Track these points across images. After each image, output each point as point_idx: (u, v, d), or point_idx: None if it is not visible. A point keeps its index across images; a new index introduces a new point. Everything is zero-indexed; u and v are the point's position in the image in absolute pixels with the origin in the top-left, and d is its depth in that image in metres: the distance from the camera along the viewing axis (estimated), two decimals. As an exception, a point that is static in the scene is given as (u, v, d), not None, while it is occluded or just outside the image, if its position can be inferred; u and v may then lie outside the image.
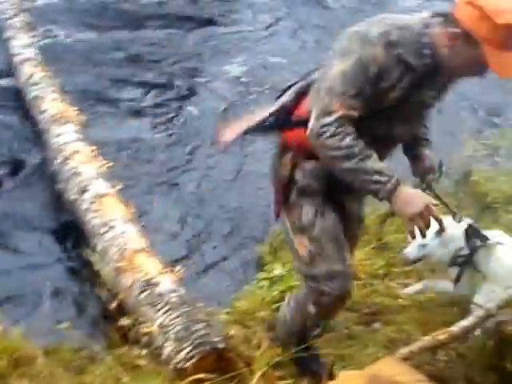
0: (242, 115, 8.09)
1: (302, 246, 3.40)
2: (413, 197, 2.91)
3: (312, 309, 3.55)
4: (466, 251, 4.09)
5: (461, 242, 4.08)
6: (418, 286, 4.57)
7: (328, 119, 2.86)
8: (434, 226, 3.18)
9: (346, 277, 3.45)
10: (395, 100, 2.93)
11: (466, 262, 4.11)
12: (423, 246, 4.04)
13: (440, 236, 3.96)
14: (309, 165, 3.27)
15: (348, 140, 2.85)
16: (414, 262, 4.27)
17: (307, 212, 3.35)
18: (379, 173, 2.87)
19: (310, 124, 2.94)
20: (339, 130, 2.85)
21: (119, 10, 11.35)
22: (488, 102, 9.13)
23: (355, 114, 2.88)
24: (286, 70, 9.89)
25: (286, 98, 3.35)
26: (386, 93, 2.90)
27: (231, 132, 3.47)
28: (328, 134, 2.86)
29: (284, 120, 3.32)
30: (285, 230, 3.56)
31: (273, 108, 3.36)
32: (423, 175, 3.56)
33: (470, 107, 8.38)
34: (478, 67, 2.90)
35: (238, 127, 3.46)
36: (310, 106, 3.02)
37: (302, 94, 3.30)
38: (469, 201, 5.88)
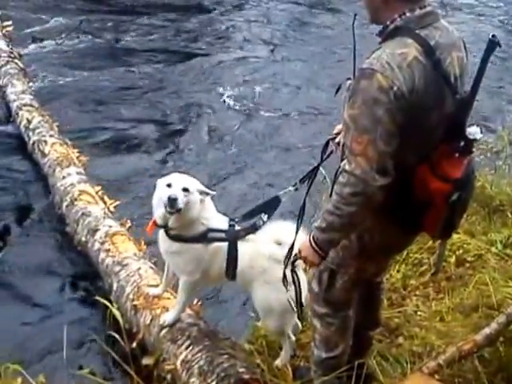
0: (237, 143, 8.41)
1: None
2: None
3: None
4: None
5: None
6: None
7: None
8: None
9: None
10: None
11: None
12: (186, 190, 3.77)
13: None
14: None
15: None
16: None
17: None
18: None
19: None
20: None
21: (108, 49, 11.44)
22: (481, 108, 9.16)
23: None
24: (279, 95, 9.97)
25: None
26: None
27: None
28: None
29: None
30: None
31: None
32: None
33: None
34: None
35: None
36: None
37: None
38: (477, 206, 5.83)
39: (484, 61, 2.72)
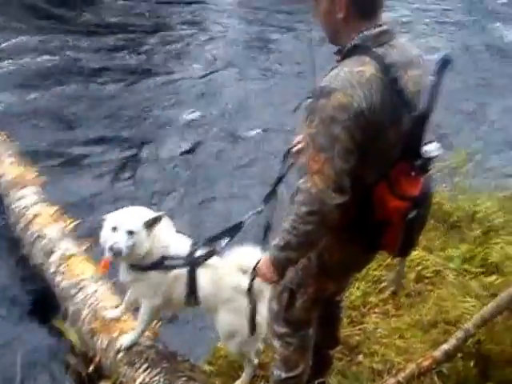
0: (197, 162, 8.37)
1: None
2: None
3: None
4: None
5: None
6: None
7: None
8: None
9: None
10: None
11: None
12: (131, 233, 3.69)
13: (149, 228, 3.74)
14: None
15: None
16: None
17: None
18: None
19: None
20: None
21: (67, 69, 11.29)
22: (439, 124, 9.25)
23: None
24: (239, 114, 9.97)
25: None
26: None
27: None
28: None
29: None
30: None
31: None
32: None
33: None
34: None
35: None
36: None
37: None
38: (435, 222, 5.86)
39: (437, 79, 2.75)
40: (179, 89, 11.00)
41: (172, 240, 3.93)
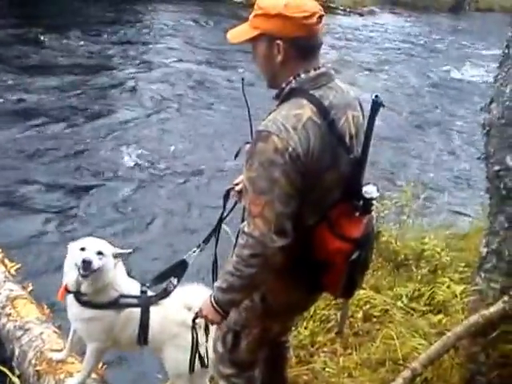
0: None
1: None
2: None
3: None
4: None
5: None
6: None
7: None
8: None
9: None
10: None
11: None
12: (100, 253, 3.71)
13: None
14: None
15: None
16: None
17: None
18: None
19: None
20: None
21: (11, 109, 11.30)
22: (386, 164, 9.47)
23: None
24: (184, 154, 10.07)
25: None
26: None
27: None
28: None
29: None
30: None
31: None
32: None
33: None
34: None
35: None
36: None
37: None
38: (382, 260, 5.95)
39: (370, 121, 2.80)
40: (125, 128, 11.07)
41: (125, 280, 3.95)
